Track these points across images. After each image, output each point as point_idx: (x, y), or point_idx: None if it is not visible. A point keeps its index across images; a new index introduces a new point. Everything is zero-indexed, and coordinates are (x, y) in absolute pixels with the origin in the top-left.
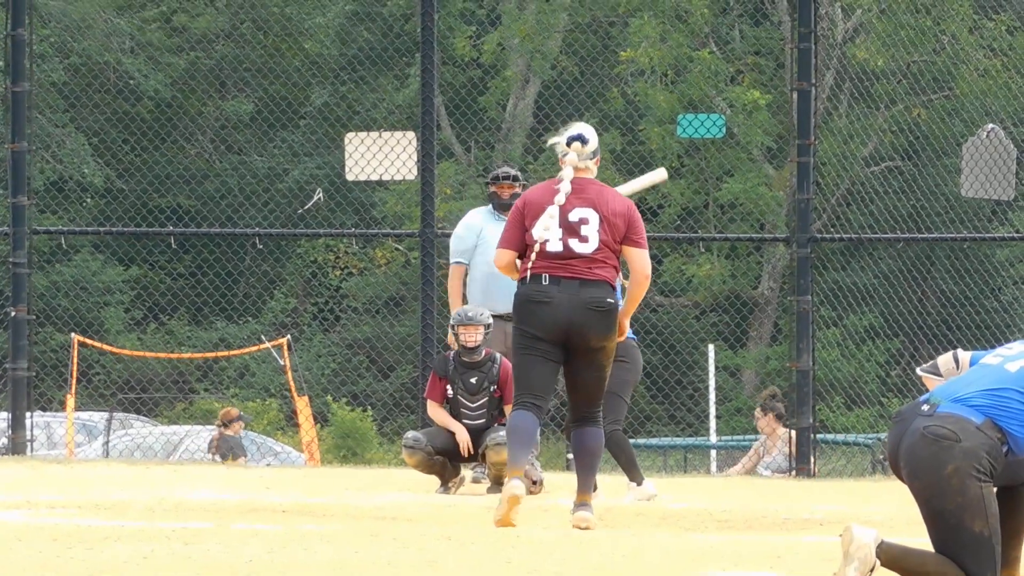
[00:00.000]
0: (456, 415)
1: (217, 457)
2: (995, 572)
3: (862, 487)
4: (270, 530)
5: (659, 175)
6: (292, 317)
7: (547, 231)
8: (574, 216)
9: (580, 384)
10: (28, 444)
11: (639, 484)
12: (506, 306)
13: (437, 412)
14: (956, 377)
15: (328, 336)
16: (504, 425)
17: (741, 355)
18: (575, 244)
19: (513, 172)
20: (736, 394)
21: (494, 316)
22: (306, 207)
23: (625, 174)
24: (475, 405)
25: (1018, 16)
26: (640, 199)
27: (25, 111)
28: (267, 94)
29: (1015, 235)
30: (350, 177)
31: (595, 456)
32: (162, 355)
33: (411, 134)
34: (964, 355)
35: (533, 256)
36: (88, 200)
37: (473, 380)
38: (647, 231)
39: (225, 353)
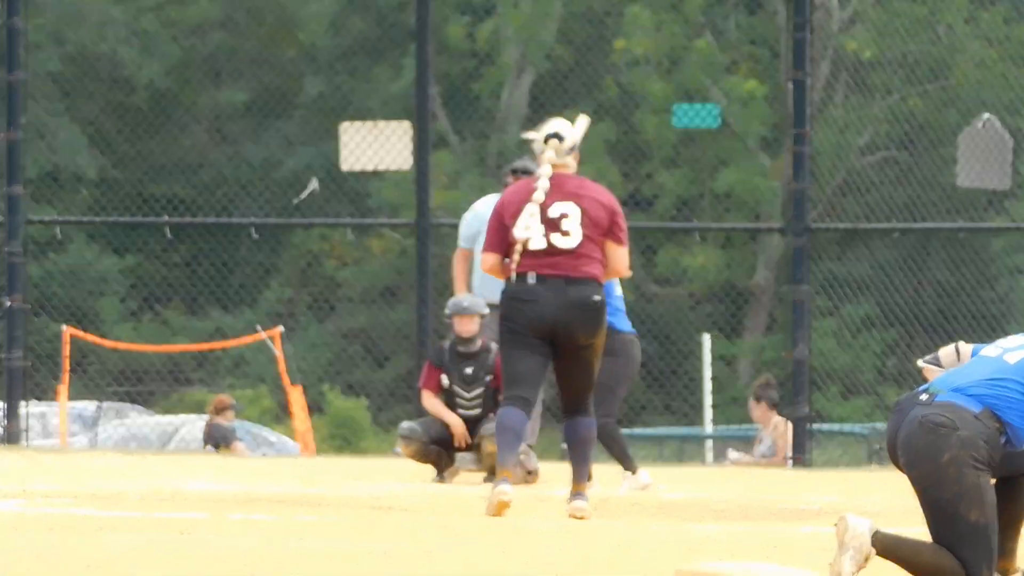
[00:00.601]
0: (451, 405)
1: (210, 447)
2: (991, 562)
3: (858, 477)
4: (266, 520)
5: (582, 123)
6: (287, 307)
7: (528, 229)
8: (554, 211)
9: (570, 380)
10: (24, 434)
11: (634, 473)
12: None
13: (431, 402)
14: (956, 368)
15: (323, 326)
16: None
17: (736, 345)
18: (558, 239)
19: (532, 167)
20: (731, 384)
21: (490, 305)
22: (301, 197)
23: (619, 163)
24: (471, 395)
25: (1014, 6)
26: (634, 189)
27: (20, 100)
28: (261, 83)
29: (1011, 225)
30: (345, 167)
31: (588, 445)
32: (155, 347)
33: (406, 124)
34: (966, 347)
35: (516, 256)
36: (83, 190)
37: (469, 370)
38: (643, 221)
39: (219, 344)
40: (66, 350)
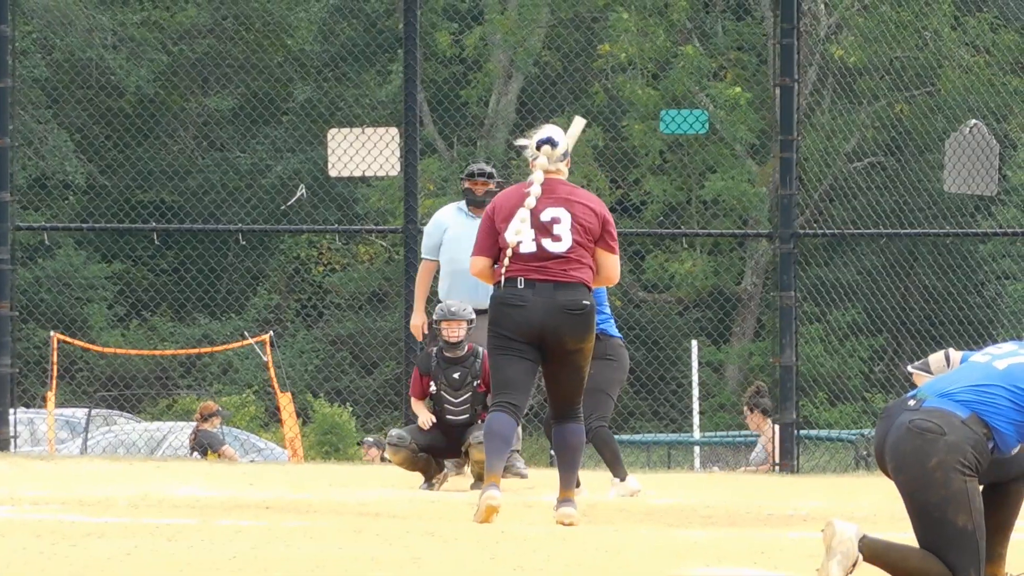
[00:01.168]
0: (440, 411)
1: (196, 454)
2: (978, 567)
3: (845, 483)
4: (254, 526)
5: (577, 125)
6: (275, 313)
7: (519, 234)
8: (546, 216)
9: (559, 385)
10: (12, 440)
11: (623, 480)
12: (472, 303)
13: (417, 407)
14: (944, 374)
15: (311, 332)
16: None
17: (724, 351)
18: (548, 244)
19: (488, 169)
20: (719, 390)
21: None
22: (289, 203)
23: (608, 170)
24: (458, 400)
25: (1000, 13)
26: (623, 196)
27: (8, 107)
28: (249, 90)
29: (998, 230)
30: (333, 173)
31: (576, 452)
32: (143, 352)
33: (394, 130)
34: (956, 354)
35: (507, 260)
36: (71, 196)
37: (456, 375)
38: (630, 227)
39: (208, 349)
40: (54, 356)
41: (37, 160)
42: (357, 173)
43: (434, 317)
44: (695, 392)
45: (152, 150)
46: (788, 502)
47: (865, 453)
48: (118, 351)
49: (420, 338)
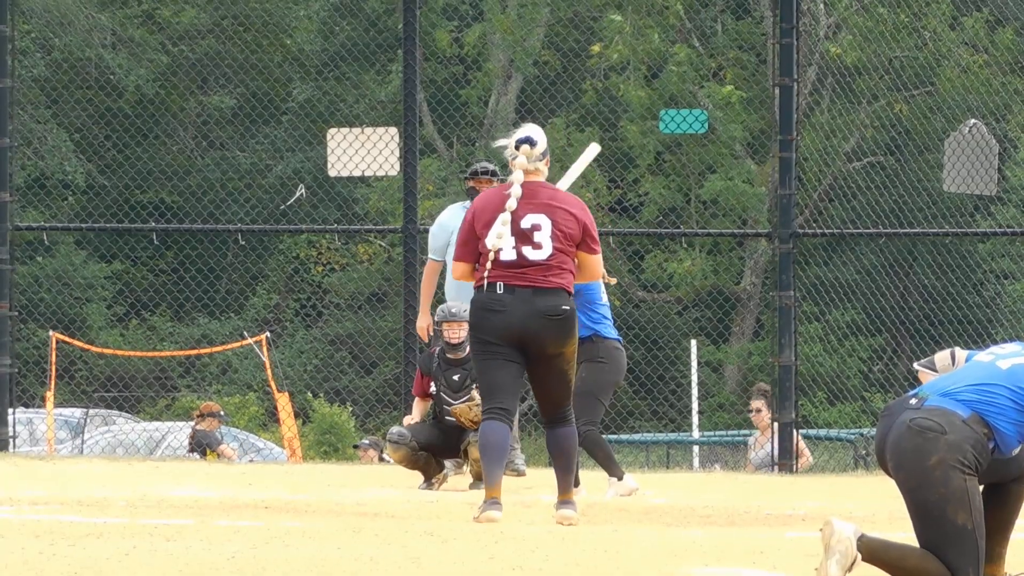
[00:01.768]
0: (440, 412)
1: (195, 454)
2: (977, 566)
3: (844, 482)
4: (252, 526)
5: (592, 151)
6: (274, 313)
7: (500, 239)
8: (526, 223)
9: (545, 390)
10: (10, 441)
11: (619, 479)
12: None
13: (416, 406)
14: (948, 373)
15: (310, 332)
16: None
17: (723, 351)
18: (529, 252)
19: (491, 167)
20: (718, 390)
21: None
22: (288, 203)
23: (607, 170)
24: (458, 402)
25: (998, 13)
26: (620, 196)
27: (7, 107)
28: (249, 89)
29: (997, 230)
30: (332, 173)
31: (570, 455)
32: (142, 353)
33: (393, 130)
34: (961, 353)
35: (489, 265)
36: (70, 196)
37: (456, 377)
38: (629, 227)
39: (207, 350)
40: (53, 356)
41: (36, 160)
42: (356, 173)
43: (435, 318)
44: (694, 392)
45: (151, 150)
46: (787, 502)
47: (864, 452)
48: (117, 352)
49: (426, 339)
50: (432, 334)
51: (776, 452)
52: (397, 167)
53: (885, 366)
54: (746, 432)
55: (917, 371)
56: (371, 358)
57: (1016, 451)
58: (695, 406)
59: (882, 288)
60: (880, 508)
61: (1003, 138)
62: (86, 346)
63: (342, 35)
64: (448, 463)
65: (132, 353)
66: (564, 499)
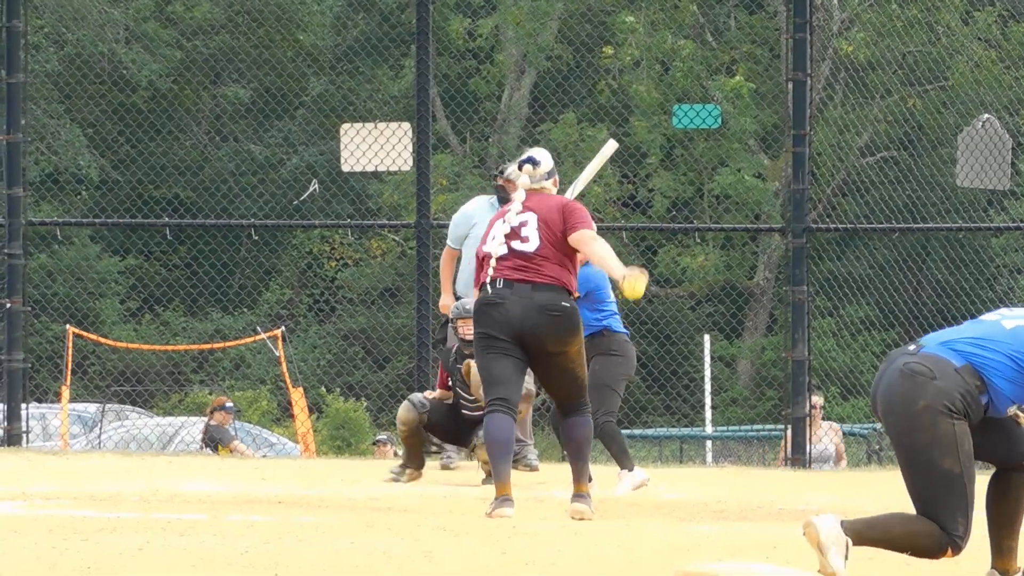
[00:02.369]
0: (457, 407)
1: (207, 448)
2: (967, 512)
3: (858, 477)
4: (265, 521)
5: (609, 147)
6: (287, 308)
7: (493, 240)
8: (515, 220)
9: (555, 388)
10: (24, 436)
11: (630, 471)
12: None
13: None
14: (949, 329)
15: (323, 327)
16: None
17: (736, 345)
18: (517, 244)
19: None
20: (731, 385)
21: None
22: (302, 198)
23: (620, 165)
24: (472, 397)
25: (1011, 7)
26: (630, 193)
27: (20, 102)
28: (262, 84)
29: (1010, 224)
30: (346, 168)
31: (583, 445)
32: (157, 347)
33: (406, 125)
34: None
35: (490, 270)
36: (83, 191)
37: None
38: (642, 222)
39: (220, 344)
40: (69, 351)
41: (50, 155)
42: (370, 168)
43: (451, 315)
44: (707, 387)
45: (164, 145)
46: (800, 497)
47: (877, 447)
48: (131, 346)
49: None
50: (440, 326)
51: (790, 447)
52: (410, 162)
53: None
54: (759, 427)
55: None
56: (384, 353)
57: (1012, 410)
58: (708, 401)
59: (895, 283)
60: (894, 503)
61: (1016, 132)
62: (102, 340)
63: (355, 30)
64: (452, 450)
65: (146, 347)
66: (578, 492)
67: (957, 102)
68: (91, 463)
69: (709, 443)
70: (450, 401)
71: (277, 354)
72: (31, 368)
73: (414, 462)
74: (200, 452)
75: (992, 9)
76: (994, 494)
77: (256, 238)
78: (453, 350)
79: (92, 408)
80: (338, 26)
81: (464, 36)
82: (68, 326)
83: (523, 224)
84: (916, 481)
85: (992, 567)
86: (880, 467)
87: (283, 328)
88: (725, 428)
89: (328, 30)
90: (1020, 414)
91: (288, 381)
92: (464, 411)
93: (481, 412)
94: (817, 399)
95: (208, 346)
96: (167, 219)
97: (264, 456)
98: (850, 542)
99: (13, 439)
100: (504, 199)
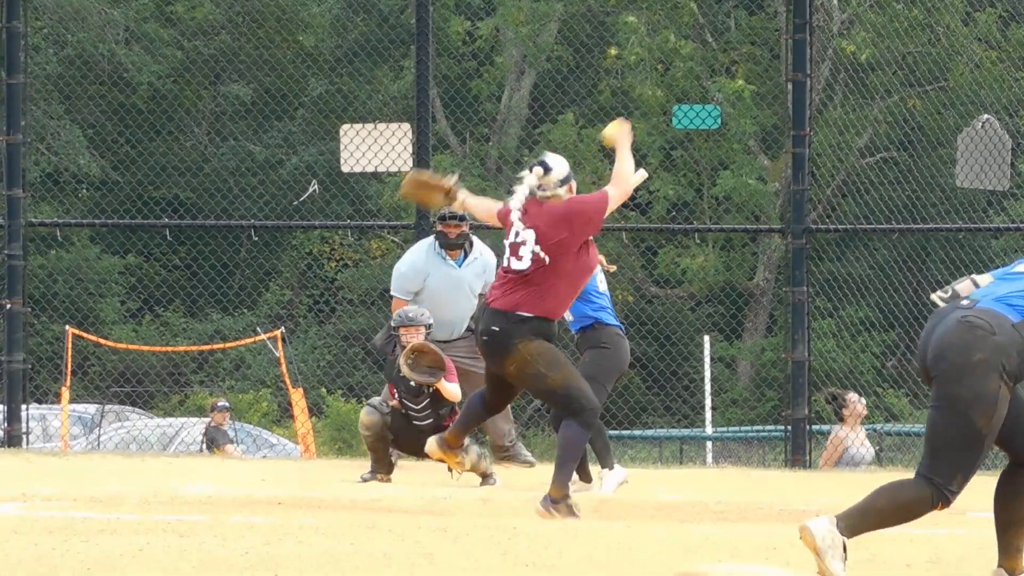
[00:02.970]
0: (405, 417)
1: (207, 450)
2: (967, 476)
3: (858, 478)
4: (266, 523)
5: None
6: (287, 309)
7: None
8: (517, 237)
9: (534, 396)
10: (24, 437)
11: (610, 470)
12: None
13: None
14: (999, 280)
15: (323, 328)
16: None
17: (736, 346)
18: (514, 262)
19: (460, 212)
20: (731, 385)
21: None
22: (301, 199)
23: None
24: (419, 406)
25: (1012, 8)
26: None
27: (20, 103)
28: (262, 85)
29: (1010, 225)
30: (345, 169)
31: (563, 449)
32: (157, 348)
33: (406, 126)
34: (982, 277)
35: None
36: (83, 192)
37: (412, 382)
38: (642, 223)
39: (220, 345)
40: (69, 351)
41: (50, 156)
42: (369, 169)
43: (392, 323)
44: (707, 387)
45: (165, 146)
46: (800, 498)
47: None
48: (131, 347)
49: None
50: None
51: (790, 448)
52: (410, 163)
53: (899, 361)
54: (759, 428)
55: (934, 304)
56: (384, 354)
57: None
58: (708, 402)
59: (895, 283)
60: None
61: (1016, 133)
62: (101, 341)
63: (355, 31)
64: (363, 476)
65: (146, 348)
66: (549, 492)
67: (957, 103)
68: (91, 464)
69: (709, 444)
70: (405, 421)
71: (277, 355)
72: (31, 369)
73: (382, 468)
74: (200, 453)
75: (992, 10)
76: (1002, 493)
77: (256, 239)
78: (396, 362)
79: (92, 409)
80: (338, 27)
81: (464, 37)
82: (68, 327)
83: (522, 243)
84: (942, 428)
85: (999, 566)
86: (880, 468)
87: (283, 329)
88: (725, 429)
89: (328, 31)
90: None
91: (288, 382)
92: (414, 421)
93: (430, 421)
94: (859, 403)
95: (208, 347)
96: (167, 220)
97: (264, 457)
98: (846, 541)
99: (13, 440)
100: (446, 244)
